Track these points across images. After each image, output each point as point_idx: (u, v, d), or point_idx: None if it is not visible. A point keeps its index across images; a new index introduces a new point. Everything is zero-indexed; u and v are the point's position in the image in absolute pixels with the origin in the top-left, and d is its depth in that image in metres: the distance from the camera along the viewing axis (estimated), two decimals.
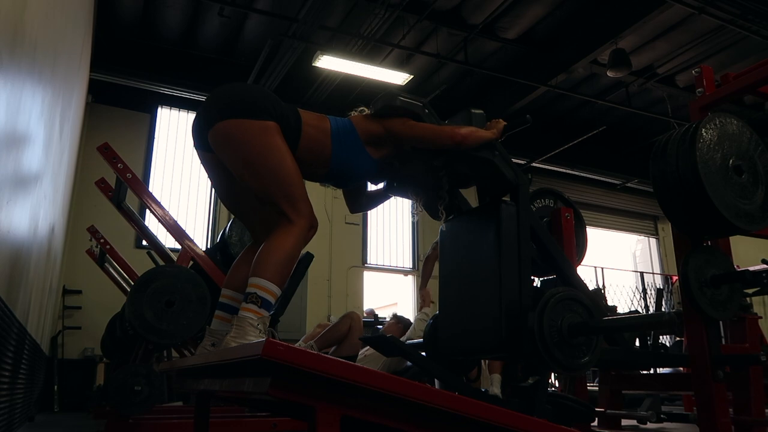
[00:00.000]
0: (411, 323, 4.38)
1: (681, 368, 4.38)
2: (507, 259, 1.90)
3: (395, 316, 4.53)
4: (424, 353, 2.40)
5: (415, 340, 3.18)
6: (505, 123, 2.03)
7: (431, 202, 2.27)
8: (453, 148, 1.95)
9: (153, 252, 5.38)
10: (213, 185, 1.94)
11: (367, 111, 2.02)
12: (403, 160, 2.08)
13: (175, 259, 3.83)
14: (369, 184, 2.25)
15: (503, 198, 2.06)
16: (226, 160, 1.74)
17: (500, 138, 2.02)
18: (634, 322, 1.82)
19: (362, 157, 1.91)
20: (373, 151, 1.93)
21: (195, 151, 1.86)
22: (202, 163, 1.86)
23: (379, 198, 2.30)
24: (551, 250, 2.13)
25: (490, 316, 1.88)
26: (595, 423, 3.08)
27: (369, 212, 9.80)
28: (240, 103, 1.69)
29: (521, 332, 1.80)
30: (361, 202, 2.24)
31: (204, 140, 1.76)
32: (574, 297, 1.87)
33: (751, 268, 2.45)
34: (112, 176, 3.94)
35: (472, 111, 2.09)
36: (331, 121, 1.88)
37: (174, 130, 8.82)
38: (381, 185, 2.28)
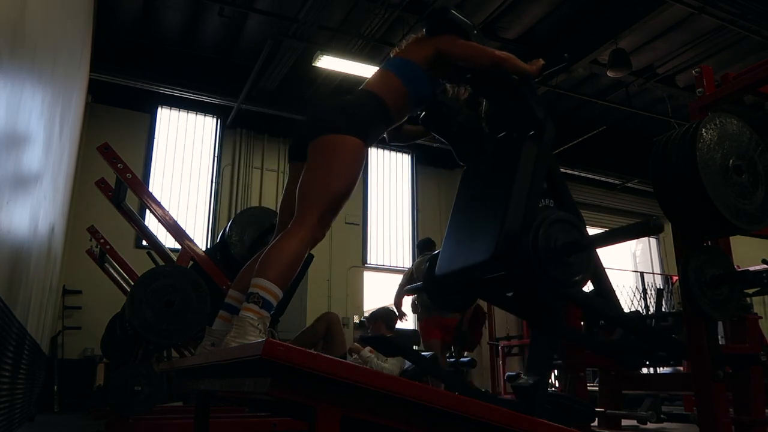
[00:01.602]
0: (387, 315, 4.38)
1: (681, 368, 4.38)
2: (518, 187, 1.93)
3: (371, 318, 4.49)
4: (422, 288, 2.38)
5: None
6: (544, 62, 2.12)
7: (461, 140, 2.32)
8: (491, 67, 2.06)
9: (153, 252, 5.39)
10: (284, 194, 2.02)
11: (419, 34, 2.17)
12: (452, 79, 2.23)
13: (175, 259, 3.83)
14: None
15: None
16: (310, 164, 1.82)
17: (538, 76, 2.11)
18: (622, 231, 1.84)
19: (427, 81, 2.07)
20: (431, 73, 2.08)
21: (288, 158, 2.02)
22: (289, 171, 2.01)
23: (415, 134, 2.43)
24: (562, 194, 2.16)
25: (490, 235, 1.89)
26: (595, 423, 3.08)
27: (369, 212, 9.81)
28: (332, 118, 1.83)
29: (517, 246, 1.82)
30: (400, 134, 2.38)
31: (301, 152, 1.88)
32: (570, 220, 1.90)
33: (751, 268, 2.45)
34: (112, 176, 3.94)
35: None
36: (396, 72, 2.02)
37: (174, 130, 8.83)
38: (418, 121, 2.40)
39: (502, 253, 1.83)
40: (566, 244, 1.84)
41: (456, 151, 2.35)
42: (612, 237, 1.87)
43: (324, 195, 1.74)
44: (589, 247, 1.89)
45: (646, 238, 12.55)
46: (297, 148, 1.95)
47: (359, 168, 1.83)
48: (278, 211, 2.04)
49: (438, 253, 2.25)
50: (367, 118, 1.89)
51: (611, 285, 2.32)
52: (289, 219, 1.89)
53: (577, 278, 1.87)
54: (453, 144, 2.35)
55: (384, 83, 2.01)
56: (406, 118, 2.17)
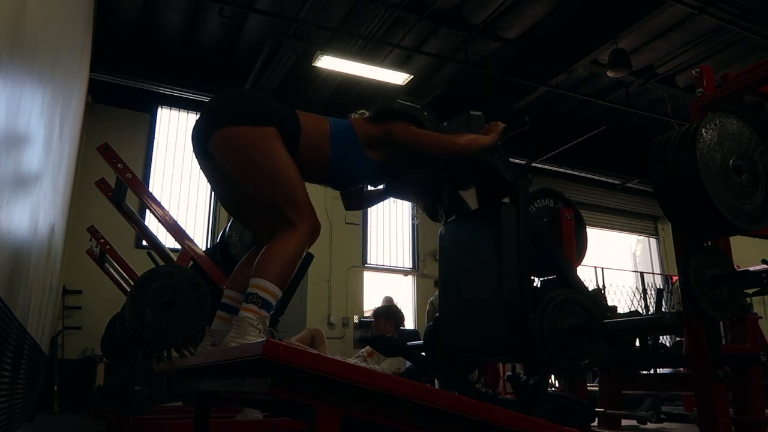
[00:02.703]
0: (399, 315, 4.31)
1: (681, 368, 4.38)
2: (507, 260, 1.90)
3: (380, 314, 4.36)
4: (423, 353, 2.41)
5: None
6: (504, 125, 2.03)
7: (431, 205, 2.27)
8: (452, 157, 1.96)
9: (153, 252, 5.38)
10: (214, 192, 1.94)
11: (366, 114, 2.00)
12: (403, 163, 2.06)
13: (175, 259, 3.83)
14: (368, 185, 2.25)
15: (503, 200, 2.07)
16: (227, 168, 1.74)
17: (499, 141, 2.01)
18: (635, 324, 1.82)
19: (361, 159, 1.89)
20: (373, 154, 1.91)
21: (195, 159, 1.85)
22: (202, 170, 1.86)
23: (376, 198, 2.30)
24: (551, 251, 2.13)
25: (491, 318, 1.88)
26: (595, 423, 3.08)
27: (369, 212, 9.80)
28: (238, 110, 1.70)
29: (522, 334, 1.80)
30: (358, 202, 2.25)
31: (204, 149, 1.76)
32: (575, 299, 1.87)
33: (751, 268, 2.45)
34: (112, 176, 3.94)
35: (471, 113, 2.09)
36: (331, 122, 1.88)
37: (174, 130, 8.83)
38: (380, 186, 2.28)
39: (510, 343, 1.83)
40: (572, 328, 1.81)
41: (427, 212, 2.31)
42: (621, 327, 1.84)
43: (288, 193, 1.67)
44: (596, 334, 1.86)
45: (646, 237, 12.55)
46: (201, 145, 1.77)
47: (285, 152, 1.70)
48: (236, 218, 1.95)
49: (438, 318, 2.29)
50: (281, 120, 1.72)
51: (607, 304, 2.34)
52: (255, 222, 1.87)
53: (584, 363, 1.84)
54: (424, 208, 2.31)
55: (313, 119, 1.85)
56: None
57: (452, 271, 2.18)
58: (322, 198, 8.56)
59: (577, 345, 1.82)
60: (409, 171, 2.14)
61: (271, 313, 1.62)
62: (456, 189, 2.27)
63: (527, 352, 1.79)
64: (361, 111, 2.03)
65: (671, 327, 1.62)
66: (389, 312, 4.32)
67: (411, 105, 1.97)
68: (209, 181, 1.88)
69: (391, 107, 1.95)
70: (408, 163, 2.07)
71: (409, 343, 3.33)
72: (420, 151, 1.95)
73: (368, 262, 9.67)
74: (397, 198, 2.36)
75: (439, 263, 2.28)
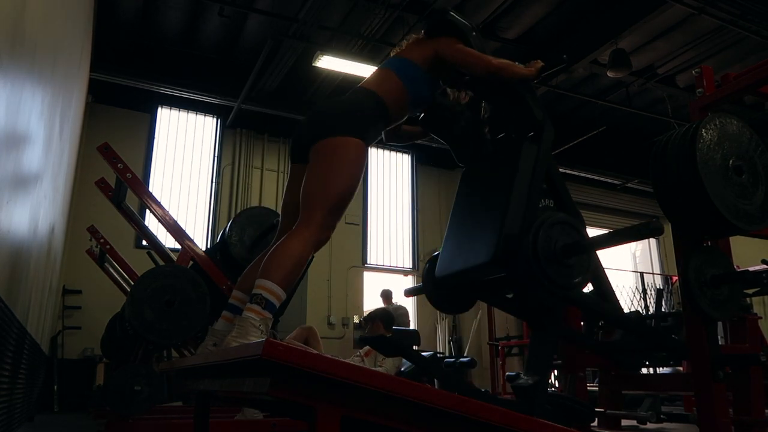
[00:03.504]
0: (387, 314, 4.36)
1: (681, 368, 4.38)
2: (518, 188, 1.92)
3: (372, 318, 4.43)
4: (422, 289, 2.38)
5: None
6: (543, 64, 2.09)
7: (460, 142, 2.31)
8: (487, 77, 2.04)
9: (153, 252, 5.38)
10: (285, 196, 2.02)
11: (414, 36, 2.17)
12: (447, 82, 2.23)
13: (175, 259, 3.83)
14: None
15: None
16: (312, 166, 1.81)
17: (537, 78, 2.09)
18: (622, 233, 1.84)
19: (427, 82, 2.08)
20: (433, 73, 2.09)
21: (291, 164, 2.00)
22: (290, 172, 1.99)
23: (414, 134, 2.42)
24: (562, 195, 2.15)
25: (489, 237, 1.89)
26: (595, 423, 3.08)
27: (369, 212, 9.81)
28: (332, 121, 1.83)
29: (517, 249, 1.81)
30: (398, 134, 2.37)
31: (303, 154, 1.87)
32: (569, 222, 1.90)
33: (751, 268, 2.45)
34: (112, 176, 3.94)
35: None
36: (396, 71, 2.02)
37: (174, 130, 8.83)
38: (419, 119, 2.38)
39: (502, 255, 1.83)
40: (565, 246, 1.84)
41: (455, 152, 2.35)
42: (612, 239, 1.87)
43: (327, 196, 1.74)
44: (589, 248, 1.89)
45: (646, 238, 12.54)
46: (298, 149, 1.94)
47: (361, 168, 1.83)
48: (281, 213, 2.04)
49: (438, 254, 2.25)
50: (366, 118, 1.88)
51: (611, 286, 2.32)
52: (292, 221, 1.88)
53: (576, 280, 1.87)
54: (453, 146, 2.35)
55: (383, 82, 2.00)
56: (405, 119, 2.17)
57: (462, 206, 2.19)
58: None
59: (569, 263, 1.84)
60: (451, 86, 2.29)
61: (275, 313, 1.62)
62: (487, 126, 2.29)
63: (520, 268, 1.80)
64: (411, 36, 2.19)
65: (655, 230, 1.65)
66: (375, 315, 4.43)
67: (462, 20, 2.12)
68: (289, 180, 1.99)
69: (443, 19, 2.12)
70: (451, 83, 2.25)
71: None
72: (462, 67, 2.07)
73: (368, 262, 9.67)
74: (431, 132, 2.39)
75: (455, 201, 2.27)
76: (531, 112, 2.06)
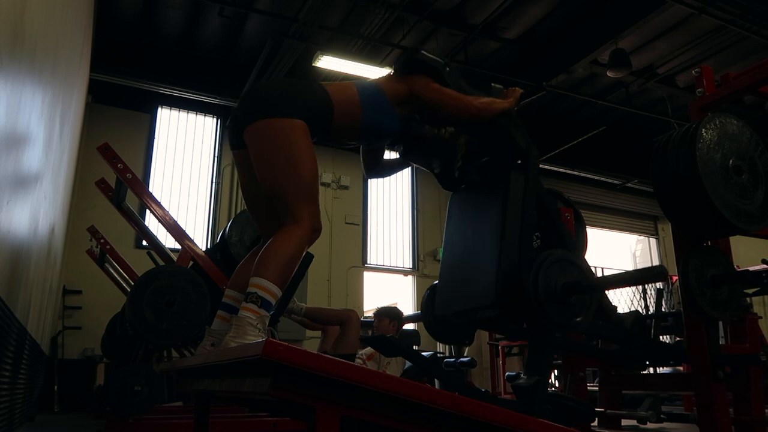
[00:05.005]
0: (400, 315, 4.32)
1: (681, 368, 4.38)
2: (510, 221, 1.92)
3: (383, 314, 4.34)
4: (421, 321, 2.39)
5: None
6: (522, 90, 2.08)
7: (445, 170, 2.30)
8: (468, 119, 2.00)
9: (153, 252, 5.38)
10: (241, 184, 1.98)
11: (388, 73, 2.11)
12: (424, 119, 2.16)
13: (175, 259, 3.83)
14: (385, 151, 2.31)
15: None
16: (253, 157, 1.78)
17: (516, 106, 2.06)
18: (626, 276, 1.84)
19: (391, 116, 1.97)
20: (400, 110, 2.00)
21: (231, 150, 1.93)
22: (235, 160, 1.92)
23: (396, 166, 2.37)
24: (554, 220, 2.15)
25: (488, 275, 1.89)
26: (595, 423, 3.08)
27: (369, 212, 9.80)
28: (272, 102, 1.74)
29: (517, 290, 1.81)
30: (378, 167, 2.30)
31: (239, 138, 1.81)
32: (570, 259, 1.89)
33: (751, 268, 2.45)
34: (112, 176, 3.94)
35: (493, 85, 2.16)
36: (358, 87, 1.94)
37: (174, 130, 8.83)
38: (398, 154, 2.34)
39: (502, 298, 1.82)
40: (566, 286, 1.82)
41: (440, 180, 2.33)
42: (615, 282, 1.86)
43: (298, 186, 1.69)
44: (589, 290, 1.87)
45: (646, 237, 12.54)
46: (237, 134, 1.84)
47: (312, 148, 1.74)
48: (248, 208, 1.98)
49: (436, 285, 2.26)
50: (310, 109, 1.78)
51: (609, 302, 2.32)
52: (263, 215, 1.88)
53: (578, 319, 1.85)
54: (436, 173, 2.33)
55: (342, 91, 1.90)
56: (381, 151, 2.10)
57: (455, 237, 2.19)
58: (322, 198, 8.56)
59: (570, 302, 1.83)
60: (428, 130, 2.23)
61: (271, 312, 1.62)
62: (470, 158, 2.27)
63: (521, 308, 1.80)
64: (387, 73, 2.11)
65: (661, 275, 1.65)
66: (393, 313, 4.31)
67: (433, 58, 2.06)
68: (239, 172, 1.93)
69: (414, 57, 2.04)
70: (428, 120, 2.17)
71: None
72: (438, 109, 2.02)
73: (368, 262, 9.66)
74: (414, 162, 2.36)
75: (445, 230, 2.28)
76: (514, 141, 2.04)
